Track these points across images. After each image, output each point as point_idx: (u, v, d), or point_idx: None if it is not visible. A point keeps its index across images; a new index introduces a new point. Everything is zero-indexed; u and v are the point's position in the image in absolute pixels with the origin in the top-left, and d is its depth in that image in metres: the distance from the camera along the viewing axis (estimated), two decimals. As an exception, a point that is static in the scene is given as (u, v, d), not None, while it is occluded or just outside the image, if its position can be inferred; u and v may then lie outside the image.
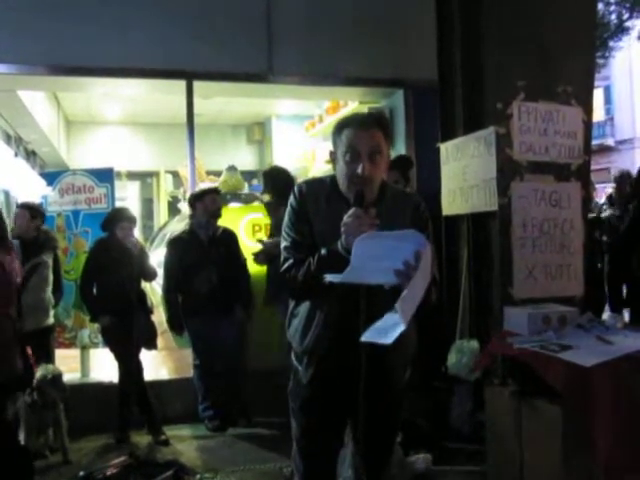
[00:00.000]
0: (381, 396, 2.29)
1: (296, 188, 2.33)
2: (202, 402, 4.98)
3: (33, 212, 4.77)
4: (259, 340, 5.20)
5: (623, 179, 6.08)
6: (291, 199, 2.32)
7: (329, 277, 2.02)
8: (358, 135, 2.18)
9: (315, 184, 2.38)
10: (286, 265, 2.26)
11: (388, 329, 1.98)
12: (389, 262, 1.93)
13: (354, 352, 2.13)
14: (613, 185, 6.25)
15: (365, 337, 2.01)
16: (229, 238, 5.08)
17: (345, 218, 2.05)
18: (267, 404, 4.67)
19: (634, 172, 5.86)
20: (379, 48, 5.65)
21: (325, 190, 2.30)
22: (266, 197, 5.25)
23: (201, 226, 4.93)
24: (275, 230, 4.97)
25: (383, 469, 2.47)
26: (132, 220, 4.89)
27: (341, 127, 2.23)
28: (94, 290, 4.82)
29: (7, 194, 5.94)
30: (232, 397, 4.99)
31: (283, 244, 2.31)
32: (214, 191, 5.10)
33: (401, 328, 1.95)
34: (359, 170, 2.15)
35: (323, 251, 2.14)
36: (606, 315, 4.37)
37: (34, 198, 5.51)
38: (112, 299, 4.71)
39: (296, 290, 2.31)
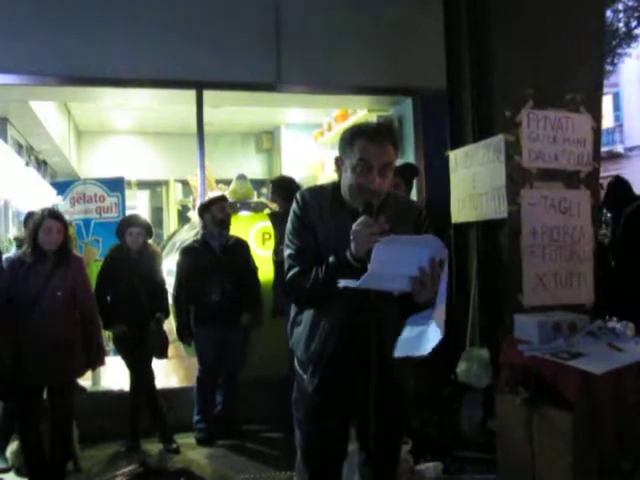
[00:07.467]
0: (389, 404, 2.27)
1: (298, 196, 2.31)
2: (198, 414, 4.98)
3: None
4: (268, 349, 5.19)
5: (618, 185, 6.09)
6: (294, 207, 2.30)
7: (344, 282, 1.98)
8: (371, 149, 2.14)
9: (317, 191, 2.35)
10: (291, 273, 2.23)
11: (422, 340, 1.97)
12: (406, 268, 1.93)
13: (360, 359, 2.13)
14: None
15: (398, 352, 2.00)
16: (241, 248, 5.07)
17: (354, 226, 2.02)
18: (278, 412, 4.67)
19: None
20: (387, 56, 5.65)
21: (327, 197, 2.28)
22: (274, 204, 5.22)
23: (213, 236, 4.92)
24: (282, 241, 4.97)
25: (391, 478, 2.46)
26: (142, 225, 4.80)
27: (353, 136, 2.19)
28: (108, 298, 4.79)
29: (6, 203, 5.92)
30: (226, 411, 5.01)
31: (287, 252, 2.28)
32: (221, 199, 5.04)
33: (439, 337, 1.94)
34: (371, 185, 2.13)
35: (331, 259, 2.10)
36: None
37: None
38: (126, 307, 4.70)
39: (301, 298, 2.29)
